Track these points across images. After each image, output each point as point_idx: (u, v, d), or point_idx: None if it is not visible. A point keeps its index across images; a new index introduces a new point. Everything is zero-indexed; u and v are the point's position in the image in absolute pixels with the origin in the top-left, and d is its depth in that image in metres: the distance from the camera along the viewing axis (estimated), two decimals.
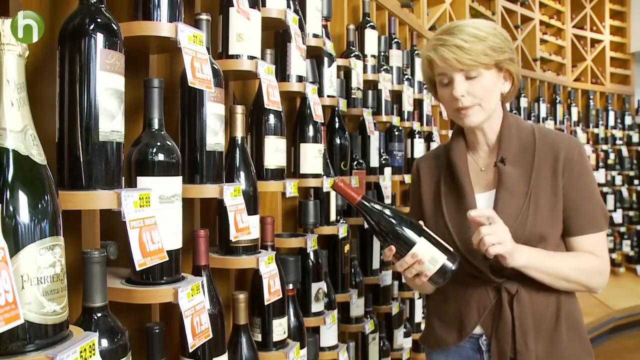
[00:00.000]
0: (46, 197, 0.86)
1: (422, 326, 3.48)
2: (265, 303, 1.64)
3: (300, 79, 2.12)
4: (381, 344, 3.05)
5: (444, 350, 1.62)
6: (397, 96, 3.49)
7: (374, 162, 3.04)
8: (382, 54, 3.27)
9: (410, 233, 1.39)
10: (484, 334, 1.55)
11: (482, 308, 1.53)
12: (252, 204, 1.63)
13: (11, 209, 0.82)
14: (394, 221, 1.40)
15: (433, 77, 1.55)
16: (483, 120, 1.51)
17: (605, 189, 6.51)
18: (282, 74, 2.08)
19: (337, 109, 2.59)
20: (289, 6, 1.99)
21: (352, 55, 2.82)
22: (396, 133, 3.37)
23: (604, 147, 6.74)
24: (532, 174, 1.50)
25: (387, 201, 3.10)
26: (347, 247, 2.57)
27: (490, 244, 1.36)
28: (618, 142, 6.93)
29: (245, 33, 1.68)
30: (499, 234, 1.37)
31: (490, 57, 1.44)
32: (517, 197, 1.49)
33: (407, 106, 3.51)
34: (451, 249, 1.42)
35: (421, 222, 1.46)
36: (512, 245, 1.39)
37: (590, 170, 1.54)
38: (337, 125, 2.60)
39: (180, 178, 1.29)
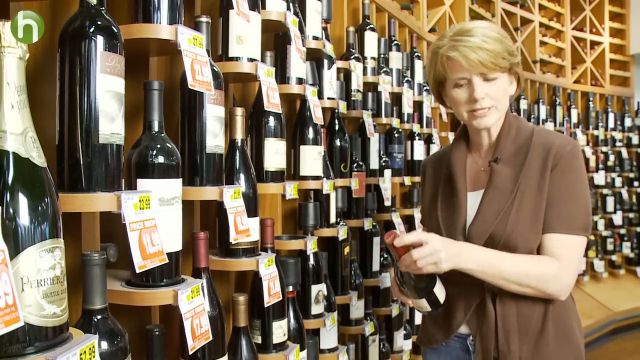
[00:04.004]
0: (46, 199, 0.86)
1: None
2: (265, 305, 1.64)
3: (300, 81, 2.12)
4: (381, 346, 3.05)
5: (436, 349, 1.66)
6: (397, 98, 3.49)
7: (374, 164, 3.04)
8: (382, 56, 3.27)
9: (418, 292, 1.49)
10: (471, 334, 1.57)
11: (468, 306, 1.55)
12: (252, 206, 1.63)
13: (11, 211, 0.82)
14: (415, 283, 1.48)
15: (444, 77, 1.53)
16: (496, 121, 1.53)
17: (605, 191, 6.50)
18: (282, 76, 2.09)
19: (337, 111, 2.60)
20: (288, 8, 1.99)
21: (352, 57, 2.82)
22: (396, 135, 3.37)
23: (604, 148, 6.73)
24: (522, 172, 1.49)
25: (387, 203, 3.11)
26: (347, 249, 2.57)
27: (423, 266, 1.40)
28: (618, 144, 6.92)
29: (245, 35, 1.68)
30: (432, 256, 1.38)
31: (506, 61, 1.48)
32: (503, 195, 1.49)
33: (407, 108, 3.51)
34: (442, 301, 1.51)
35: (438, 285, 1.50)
36: (447, 258, 1.39)
37: (580, 171, 1.48)
38: (337, 127, 2.60)
39: (180, 180, 1.29)
